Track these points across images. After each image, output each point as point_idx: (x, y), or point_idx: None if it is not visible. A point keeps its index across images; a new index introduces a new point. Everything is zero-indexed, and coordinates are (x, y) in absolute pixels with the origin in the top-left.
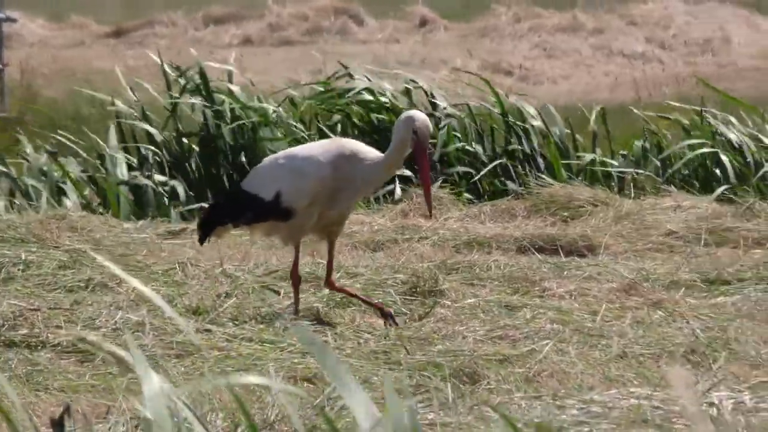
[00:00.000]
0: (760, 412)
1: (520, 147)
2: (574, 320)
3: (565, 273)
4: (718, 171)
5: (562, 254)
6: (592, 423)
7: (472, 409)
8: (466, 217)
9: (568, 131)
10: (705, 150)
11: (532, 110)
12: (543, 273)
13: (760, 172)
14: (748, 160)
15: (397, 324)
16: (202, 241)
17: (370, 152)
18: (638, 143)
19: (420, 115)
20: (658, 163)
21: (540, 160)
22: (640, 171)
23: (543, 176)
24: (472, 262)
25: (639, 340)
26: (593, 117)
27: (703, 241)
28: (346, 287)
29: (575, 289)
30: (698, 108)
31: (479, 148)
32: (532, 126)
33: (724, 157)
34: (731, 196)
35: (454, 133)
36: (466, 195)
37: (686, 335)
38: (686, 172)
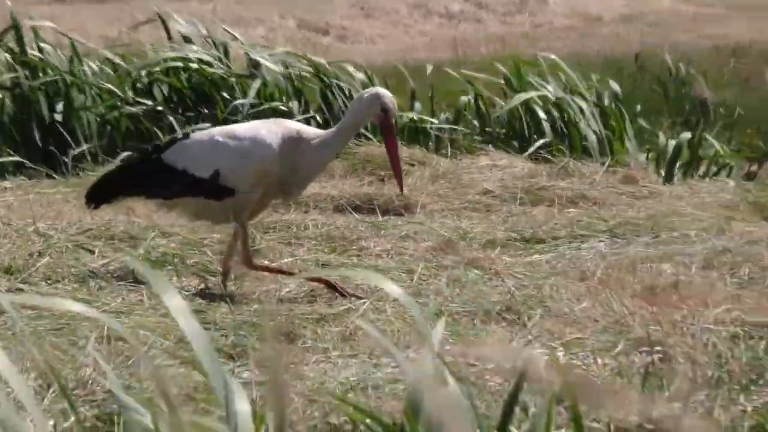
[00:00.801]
0: (574, 368)
1: (337, 106)
2: (392, 279)
3: (382, 232)
4: (535, 131)
5: (379, 213)
6: (407, 381)
7: (289, 368)
8: None
9: None
10: (520, 108)
11: (351, 69)
12: (360, 232)
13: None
14: (565, 119)
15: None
16: (96, 207)
17: (315, 132)
18: (460, 101)
19: (386, 92)
20: (476, 123)
21: None
22: (458, 128)
23: (363, 137)
24: (290, 221)
25: (455, 298)
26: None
27: (518, 200)
28: (266, 263)
29: (392, 248)
30: (515, 67)
31: (294, 107)
32: (351, 85)
33: (542, 115)
34: (547, 155)
35: (270, 91)
36: None
37: (502, 293)
38: (504, 131)
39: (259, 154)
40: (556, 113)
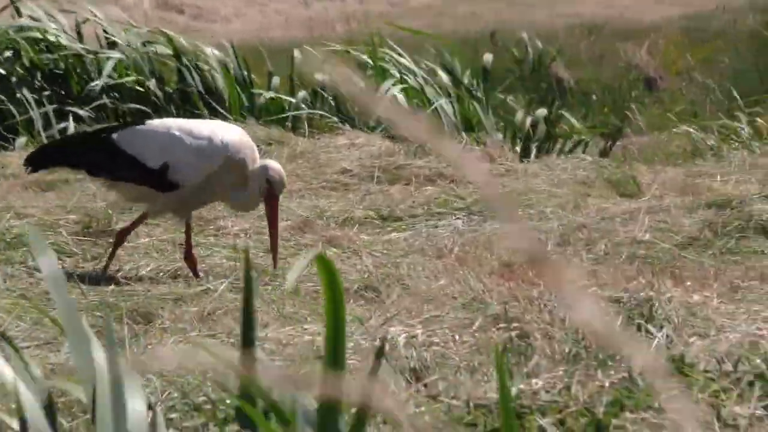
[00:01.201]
0: (432, 346)
1: (194, 86)
2: (250, 258)
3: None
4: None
5: None
6: (265, 360)
7: (146, 348)
8: None
9: (245, 71)
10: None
11: (207, 49)
12: (218, 212)
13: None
14: (422, 97)
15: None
16: (33, 171)
17: (251, 172)
18: (318, 80)
19: (274, 165)
20: (333, 102)
21: (216, 99)
22: (315, 111)
23: (225, 114)
24: None
25: (312, 276)
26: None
27: (376, 179)
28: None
29: (250, 227)
30: (373, 47)
31: (152, 85)
32: (208, 64)
33: (400, 96)
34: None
35: (126, 71)
36: None
37: (360, 271)
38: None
39: (211, 156)
40: (411, 92)
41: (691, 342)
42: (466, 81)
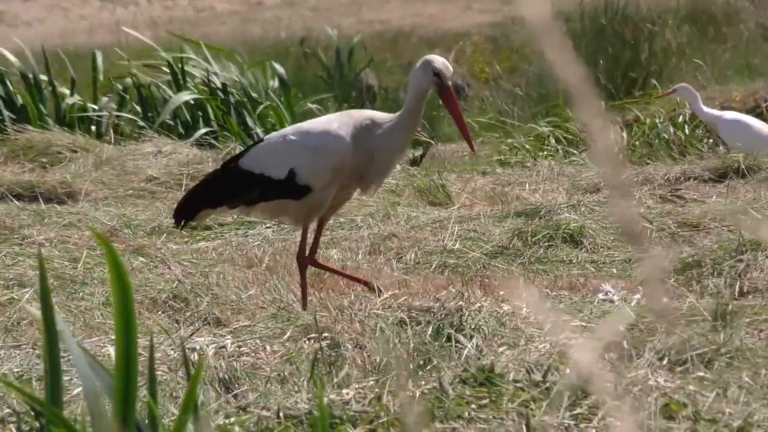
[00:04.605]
0: (242, 356)
1: None
2: (55, 268)
3: (45, 220)
4: (201, 117)
5: (41, 201)
6: (72, 372)
7: None
8: None
9: (45, 77)
10: (188, 97)
11: (8, 54)
12: (22, 220)
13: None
14: (231, 104)
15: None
16: (181, 226)
17: (386, 117)
18: (123, 87)
19: (436, 57)
20: (140, 109)
21: (17, 105)
22: (122, 115)
23: (23, 123)
24: None
25: None
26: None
27: (184, 187)
28: (328, 264)
29: (55, 236)
30: (178, 54)
31: None
32: (7, 70)
33: (206, 102)
34: (213, 141)
35: None
36: None
37: (168, 281)
38: (169, 117)
39: (331, 148)
40: (220, 98)
41: (500, 352)
42: (276, 86)
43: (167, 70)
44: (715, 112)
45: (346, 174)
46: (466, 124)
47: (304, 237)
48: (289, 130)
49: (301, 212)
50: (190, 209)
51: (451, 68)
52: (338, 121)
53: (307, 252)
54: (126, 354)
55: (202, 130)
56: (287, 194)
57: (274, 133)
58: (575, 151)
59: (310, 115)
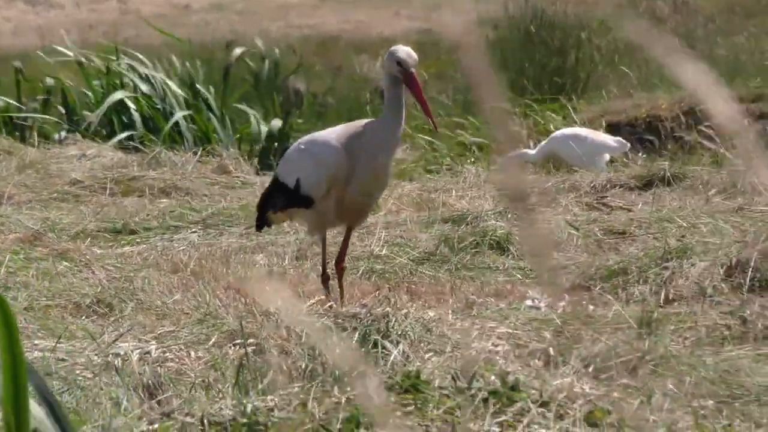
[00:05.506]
0: (167, 362)
1: None
2: None
3: None
4: (126, 120)
5: None
6: None
7: None
8: None
9: None
10: (116, 98)
11: None
12: None
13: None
14: (158, 107)
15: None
16: (258, 228)
17: (376, 119)
18: (47, 89)
19: (399, 47)
20: (64, 112)
21: None
22: (47, 117)
23: None
24: None
25: (45, 291)
26: None
27: (109, 190)
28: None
29: None
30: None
31: None
32: None
33: (131, 105)
34: (138, 145)
35: None
36: None
37: (93, 285)
38: (96, 120)
39: (325, 159)
40: (146, 102)
41: (427, 358)
42: (202, 91)
43: (95, 72)
44: (542, 142)
45: (344, 185)
46: (429, 107)
47: (323, 251)
48: (306, 137)
49: (311, 222)
50: (259, 213)
51: (414, 56)
52: (337, 132)
53: (335, 260)
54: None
55: (125, 133)
56: (297, 203)
57: (296, 142)
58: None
59: (239, 118)
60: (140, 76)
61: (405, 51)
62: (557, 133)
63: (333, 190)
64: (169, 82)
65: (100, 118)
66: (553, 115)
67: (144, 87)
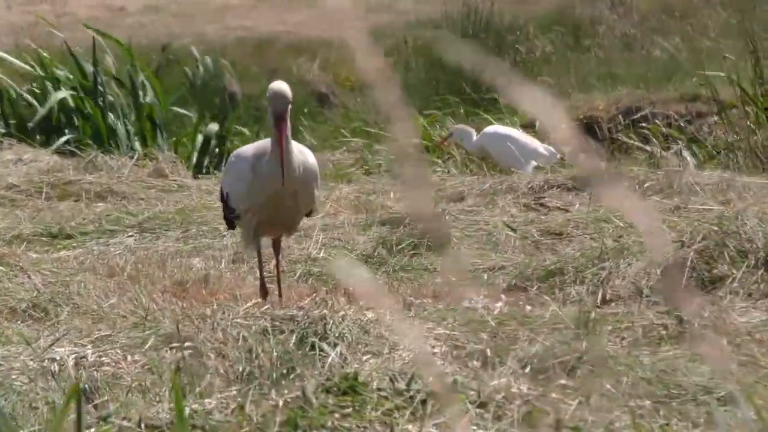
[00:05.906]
0: (103, 366)
1: None
2: None
3: None
4: (65, 124)
5: None
6: None
7: None
8: None
9: None
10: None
11: None
12: None
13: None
14: (93, 112)
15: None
16: (229, 227)
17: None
18: None
19: (275, 83)
20: None
21: None
22: None
23: None
24: None
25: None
26: None
27: (44, 195)
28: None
29: None
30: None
31: None
32: None
33: (71, 105)
34: (74, 149)
35: None
36: None
37: (28, 290)
38: (31, 124)
39: (241, 173)
40: (83, 105)
41: (364, 360)
42: (139, 95)
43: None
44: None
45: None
46: (284, 152)
47: (260, 266)
48: (242, 148)
49: (242, 233)
50: (226, 218)
51: (286, 93)
52: (255, 147)
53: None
54: None
55: (65, 137)
56: (230, 213)
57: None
58: (439, 161)
59: (175, 122)
60: (83, 74)
61: (276, 89)
62: (491, 128)
63: (253, 209)
64: (113, 84)
65: (36, 123)
66: (489, 117)
67: (80, 91)
